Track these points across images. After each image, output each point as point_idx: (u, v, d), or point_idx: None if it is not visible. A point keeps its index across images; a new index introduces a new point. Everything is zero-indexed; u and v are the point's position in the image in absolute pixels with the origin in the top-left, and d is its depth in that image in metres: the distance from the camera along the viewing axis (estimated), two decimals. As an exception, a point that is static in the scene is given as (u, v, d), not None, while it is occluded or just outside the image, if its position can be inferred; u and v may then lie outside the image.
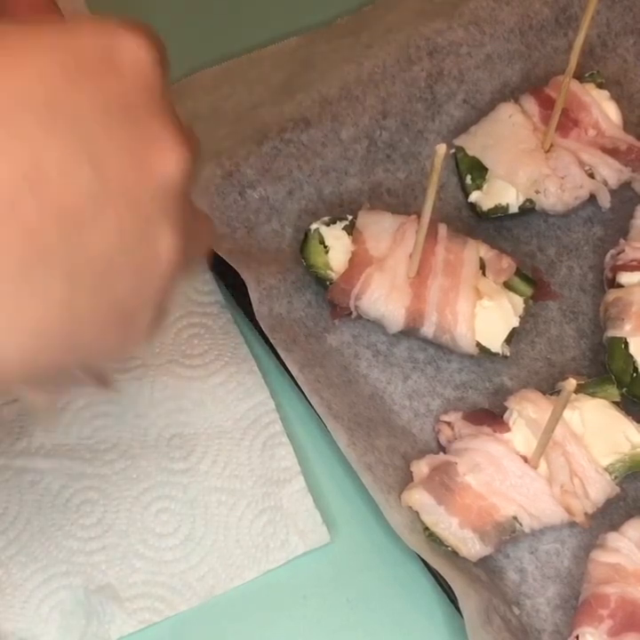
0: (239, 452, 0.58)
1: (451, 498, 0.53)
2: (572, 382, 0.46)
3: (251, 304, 0.58)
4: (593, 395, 0.56)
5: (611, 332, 0.58)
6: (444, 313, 0.57)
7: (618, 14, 0.67)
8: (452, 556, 0.54)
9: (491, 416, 0.56)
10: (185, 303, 0.61)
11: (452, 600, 0.53)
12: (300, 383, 0.57)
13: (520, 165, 0.60)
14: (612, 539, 0.53)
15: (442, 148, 0.48)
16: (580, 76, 0.62)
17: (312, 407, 0.57)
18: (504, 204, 0.61)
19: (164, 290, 0.35)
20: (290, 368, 0.57)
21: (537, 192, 0.61)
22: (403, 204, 0.63)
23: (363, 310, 0.58)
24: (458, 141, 0.63)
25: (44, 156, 0.31)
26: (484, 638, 0.51)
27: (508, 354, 0.58)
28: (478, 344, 0.57)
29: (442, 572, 0.52)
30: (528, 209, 0.61)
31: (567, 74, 0.57)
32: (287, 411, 0.59)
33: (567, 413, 0.53)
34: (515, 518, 0.54)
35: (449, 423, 0.57)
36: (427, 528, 0.54)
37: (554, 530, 0.56)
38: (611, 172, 0.61)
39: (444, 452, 0.56)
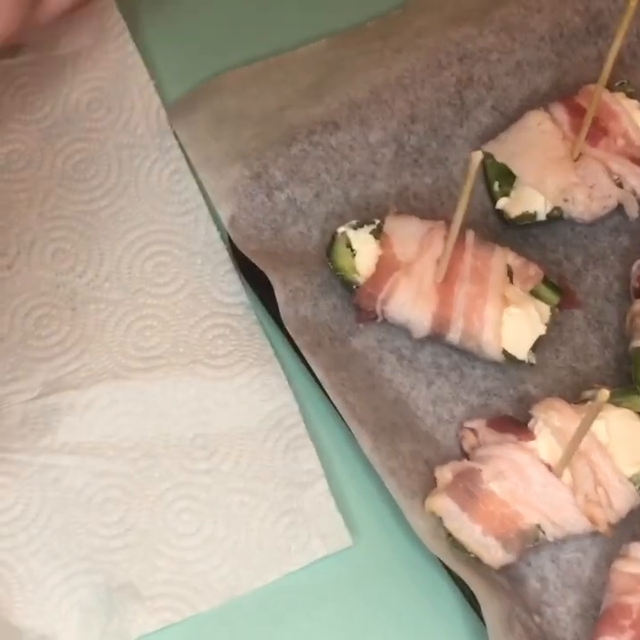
0: (262, 453, 0.58)
1: (474, 505, 0.53)
2: (605, 393, 0.46)
3: (276, 306, 0.58)
4: (618, 405, 0.56)
5: (637, 343, 0.58)
6: (471, 320, 0.57)
7: (648, 24, 0.67)
8: (475, 562, 0.53)
9: (515, 423, 0.56)
10: (210, 303, 0.61)
11: (474, 607, 0.53)
12: (324, 386, 0.57)
13: (548, 173, 0.60)
14: (636, 549, 0.54)
15: (477, 156, 0.48)
16: (610, 85, 0.61)
17: (336, 410, 0.57)
18: (532, 211, 0.61)
19: None
20: (315, 371, 0.57)
21: (565, 200, 0.60)
22: (429, 208, 0.63)
23: (389, 315, 0.58)
24: (486, 148, 0.63)
25: None
26: (506, 646, 0.51)
27: (534, 362, 0.58)
28: (504, 351, 0.57)
29: (465, 579, 0.52)
30: (555, 217, 0.61)
31: (599, 83, 0.57)
32: (311, 413, 0.59)
33: (593, 423, 0.53)
34: (538, 526, 0.54)
35: (473, 430, 0.57)
36: (450, 534, 0.54)
37: (576, 539, 0.55)
38: (639, 181, 0.61)
39: (468, 459, 0.56)
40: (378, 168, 0.63)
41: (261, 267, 0.58)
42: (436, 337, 0.58)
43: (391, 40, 0.66)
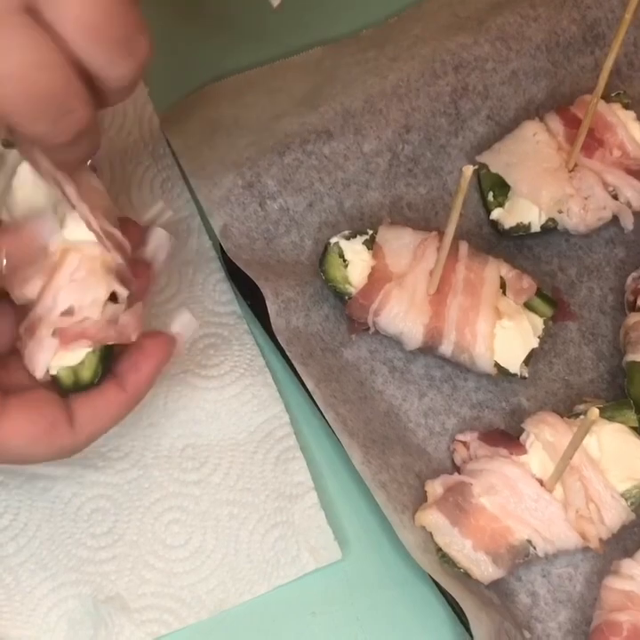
0: (252, 465, 0.57)
1: (465, 519, 0.53)
2: (594, 411, 0.46)
3: (268, 316, 0.58)
4: (610, 419, 0.56)
5: (631, 357, 0.57)
6: (463, 332, 0.56)
7: (645, 34, 0.67)
8: (465, 577, 0.53)
9: (507, 437, 0.56)
10: (201, 313, 0.61)
11: (463, 622, 0.53)
12: (315, 398, 0.56)
13: (543, 184, 0.60)
14: (627, 566, 0.53)
15: (469, 170, 0.48)
16: (606, 96, 0.61)
17: (327, 422, 0.57)
18: (526, 222, 0.61)
19: None
20: (306, 382, 0.57)
21: (560, 212, 0.60)
22: (423, 218, 0.63)
23: (381, 326, 0.58)
24: (481, 158, 0.63)
25: None
26: (495, 662, 0.50)
27: (527, 375, 0.57)
28: (497, 364, 0.57)
29: (454, 594, 0.52)
30: (550, 228, 0.61)
31: (595, 95, 0.57)
32: (301, 425, 0.59)
33: (585, 438, 0.53)
34: (529, 542, 0.53)
35: (465, 443, 0.57)
36: (439, 549, 0.53)
37: (567, 554, 0.55)
38: (634, 193, 0.60)
39: (459, 472, 0.56)
40: (372, 178, 0.63)
41: (253, 277, 0.58)
42: (428, 349, 0.58)
43: (387, 48, 0.66)
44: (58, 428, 0.47)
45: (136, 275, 0.49)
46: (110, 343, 0.48)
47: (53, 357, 0.47)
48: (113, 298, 0.48)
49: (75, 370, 0.48)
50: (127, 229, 0.49)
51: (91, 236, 0.47)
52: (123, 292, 0.48)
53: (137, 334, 0.48)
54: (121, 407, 0.49)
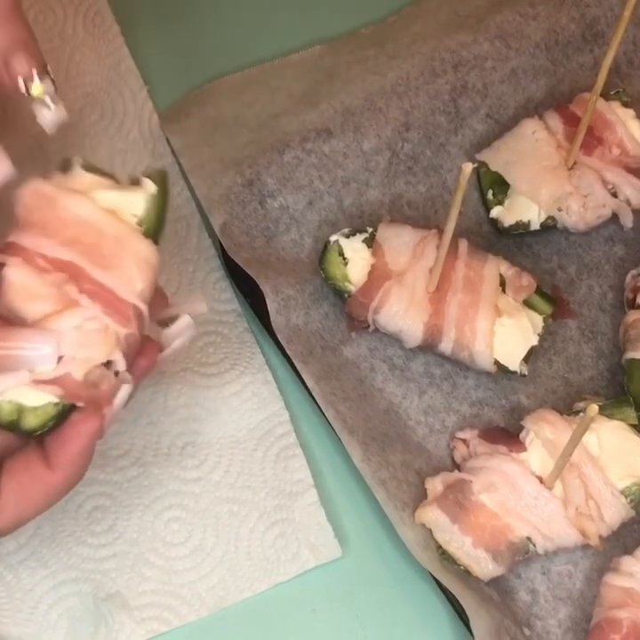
0: (252, 462, 0.57)
1: (465, 516, 0.53)
2: (594, 408, 0.46)
3: (267, 314, 0.58)
4: (610, 416, 0.56)
5: (630, 354, 0.57)
6: (463, 330, 0.56)
7: (645, 32, 0.67)
8: (465, 575, 0.53)
9: (507, 435, 0.56)
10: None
11: (463, 619, 0.53)
12: (315, 395, 0.56)
13: (543, 182, 0.60)
14: (626, 563, 0.53)
15: (468, 167, 0.48)
16: (605, 94, 0.61)
17: (326, 420, 0.57)
18: (525, 220, 0.61)
19: None
20: (306, 380, 0.57)
21: (559, 210, 0.60)
22: (423, 216, 0.63)
23: (381, 324, 0.58)
24: (480, 156, 0.63)
25: None
26: (495, 660, 0.50)
27: (526, 373, 0.57)
28: (496, 362, 0.57)
29: (453, 591, 0.52)
30: (549, 226, 0.61)
31: (594, 92, 0.57)
32: (301, 422, 0.59)
33: (584, 435, 0.53)
34: (528, 539, 0.53)
35: (464, 440, 0.57)
36: (439, 546, 0.53)
37: (567, 551, 0.55)
38: (634, 191, 0.60)
39: (459, 470, 0.56)
40: (371, 176, 0.63)
41: (253, 275, 0.58)
42: (428, 347, 0.58)
43: (386, 47, 0.66)
44: None
45: (143, 353, 0.46)
46: (77, 404, 0.44)
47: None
48: (107, 363, 0.44)
49: (22, 410, 0.43)
50: (154, 302, 0.46)
51: None
52: (120, 364, 0.45)
53: (108, 409, 0.45)
54: (49, 489, 0.45)
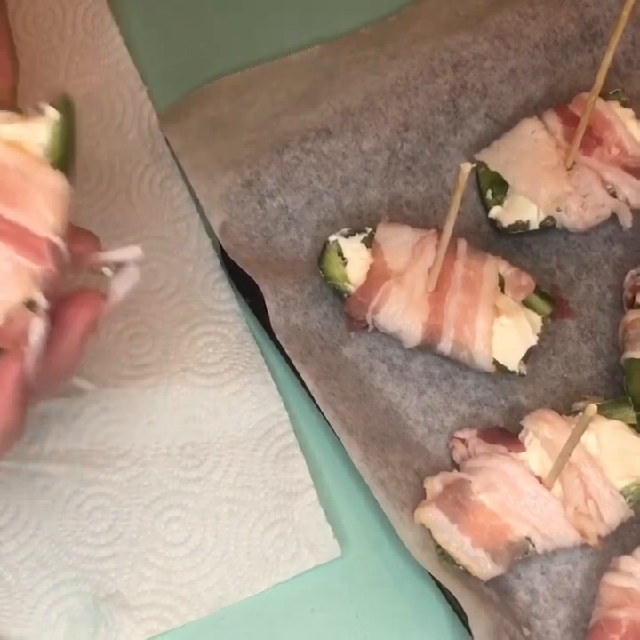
0: (252, 462, 0.58)
1: (464, 516, 0.53)
2: (592, 408, 0.46)
3: (267, 314, 0.58)
4: (609, 416, 0.56)
5: (629, 354, 0.57)
6: (462, 329, 0.56)
7: (644, 31, 0.67)
8: (464, 575, 0.53)
9: (506, 435, 0.56)
10: (201, 311, 0.61)
11: (462, 619, 0.53)
12: (314, 395, 0.56)
13: (542, 182, 0.60)
14: (626, 562, 0.53)
15: (467, 167, 0.48)
16: (604, 94, 0.61)
17: (326, 419, 0.57)
18: (525, 220, 0.61)
19: None
20: (305, 380, 0.57)
21: (558, 210, 0.60)
22: (422, 216, 0.63)
23: (380, 324, 0.58)
24: (479, 156, 0.63)
25: None
26: (494, 659, 0.50)
27: (525, 373, 0.57)
28: (495, 362, 0.57)
29: (453, 592, 0.52)
30: (548, 226, 0.61)
31: (593, 92, 0.57)
32: (301, 422, 0.59)
33: (583, 435, 0.53)
34: (528, 539, 0.53)
35: (463, 440, 0.57)
36: (439, 546, 0.53)
37: (566, 551, 0.55)
38: (633, 191, 0.60)
39: (458, 470, 0.56)
40: (370, 176, 0.63)
41: (252, 275, 0.58)
42: (427, 346, 0.58)
43: (386, 46, 0.66)
44: None
45: (84, 302, 0.45)
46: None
47: None
48: (30, 305, 0.43)
49: None
50: (78, 239, 0.45)
51: None
52: (41, 302, 0.43)
53: (27, 349, 0.43)
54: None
